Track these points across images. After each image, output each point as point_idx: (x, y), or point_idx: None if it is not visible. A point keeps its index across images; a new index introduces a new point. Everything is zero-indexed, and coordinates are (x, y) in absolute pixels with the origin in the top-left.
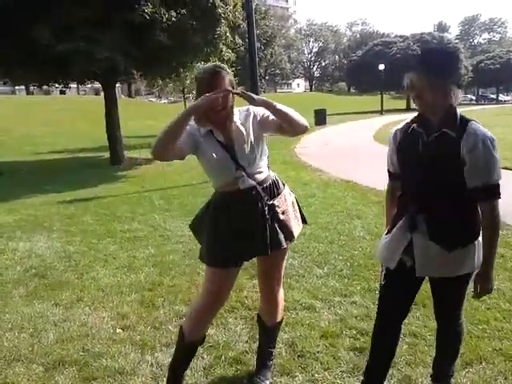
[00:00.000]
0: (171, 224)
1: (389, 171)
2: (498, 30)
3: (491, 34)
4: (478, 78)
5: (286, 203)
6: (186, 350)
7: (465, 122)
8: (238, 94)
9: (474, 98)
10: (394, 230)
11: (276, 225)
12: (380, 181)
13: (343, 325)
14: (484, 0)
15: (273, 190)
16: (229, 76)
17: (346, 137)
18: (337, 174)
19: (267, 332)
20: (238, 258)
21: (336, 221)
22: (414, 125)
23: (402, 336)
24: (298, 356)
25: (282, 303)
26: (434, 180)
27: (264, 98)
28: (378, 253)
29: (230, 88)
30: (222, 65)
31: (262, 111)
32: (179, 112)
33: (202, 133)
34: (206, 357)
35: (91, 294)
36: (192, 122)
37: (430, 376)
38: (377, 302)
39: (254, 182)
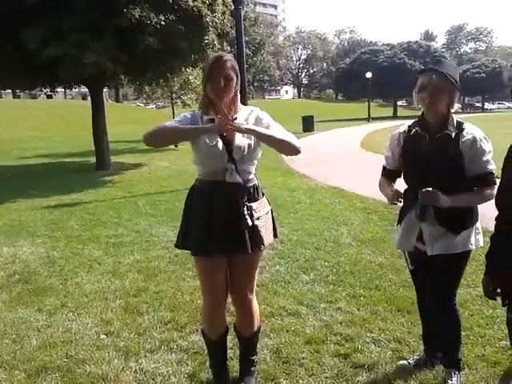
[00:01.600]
0: (157, 229)
1: (384, 168)
2: (484, 39)
3: (477, 43)
4: (464, 86)
5: (263, 210)
6: (215, 349)
7: (460, 124)
8: (232, 127)
9: (459, 106)
10: (406, 219)
11: (249, 228)
12: (366, 187)
13: (328, 331)
14: (470, 9)
15: (254, 193)
16: (231, 62)
17: (334, 143)
18: (324, 180)
19: (245, 342)
20: (211, 248)
21: (323, 227)
22: (418, 128)
23: (385, 342)
24: (283, 362)
25: (256, 312)
26: (438, 174)
27: (254, 127)
28: (396, 242)
29: (233, 79)
30: (226, 53)
31: (265, 120)
32: (188, 126)
33: (203, 121)
34: (190, 363)
35: (75, 300)
36: (195, 111)
37: (442, 364)
38: (412, 282)
39: (239, 179)
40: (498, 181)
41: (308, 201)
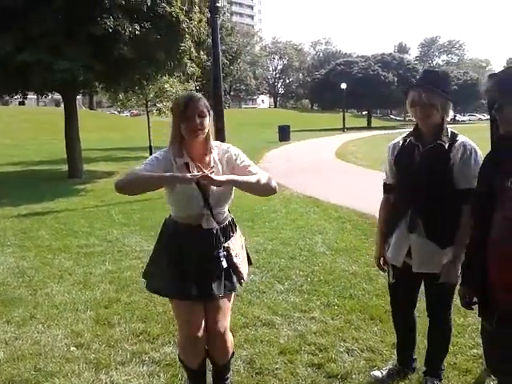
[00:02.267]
0: (130, 239)
1: (385, 184)
2: (456, 52)
3: (449, 55)
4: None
5: (238, 246)
6: (195, 377)
7: (454, 135)
8: (204, 177)
9: (453, 115)
10: (396, 231)
11: (230, 268)
12: (341, 197)
13: (302, 341)
14: (443, 22)
15: (228, 230)
16: (203, 100)
17: (309, 153)
18: (299, 189)
19: (220, 368)
20: (188, 291)
21: (298, 236)
22: (411, 138)
23: (359, 352)
24: (257, 373)
25: (231, 341)
26: (429, 185)
27: (232, 178)
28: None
29: (207, 116)
30: (196, 93)
31: (241, 158)
32: (152, 174)
33: (177, 164)
34: (162, 375)
35: (45, 311)
36: (168, 153)
37: (423, 372)
38: (389, 298)
39: (215, 225)
40: None
41: (283, 210)
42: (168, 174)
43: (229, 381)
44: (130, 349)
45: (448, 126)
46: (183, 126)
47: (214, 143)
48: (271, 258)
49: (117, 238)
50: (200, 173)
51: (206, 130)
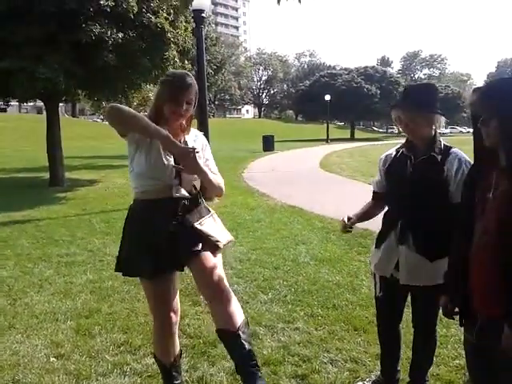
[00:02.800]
0: (112, 248)
1: (373, 192)
2: (438, 65)
3: (431, 69)
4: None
5: (205, 216)
6: (168, 374)
7: (448, 148)
8: (190, 156)
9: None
10: (385, 242)
11: (196, 234)
12: (325, 207)
13: (286, 352)
14: (425, 37)
15: (198, 203)
16: (194, 86)
17: (293, 163)
18: (283, 199)
19: (235, 341)
20: (151, 269)
21: (282, 246)
22: (404, 149)
23: (342, 362)
24: None
25: (235, 302)
26: (420, 197)
27: (205, 171)
28: (372, 265)
29: (193, 103)
30: (189, 74)
31: (207, 150)
32: (154, 126)
33: None
34: None
35: (24, 321)
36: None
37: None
38: (375, 312)
39: (186, 193)
40: None
41: (267, 220)
42: (165, 132)
43: (254, 368)
44: (112, 360)
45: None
46: (168, 106)
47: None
48: (255, 267)
49: (98, 247)
50: (189, 147)
51: (188, 115)
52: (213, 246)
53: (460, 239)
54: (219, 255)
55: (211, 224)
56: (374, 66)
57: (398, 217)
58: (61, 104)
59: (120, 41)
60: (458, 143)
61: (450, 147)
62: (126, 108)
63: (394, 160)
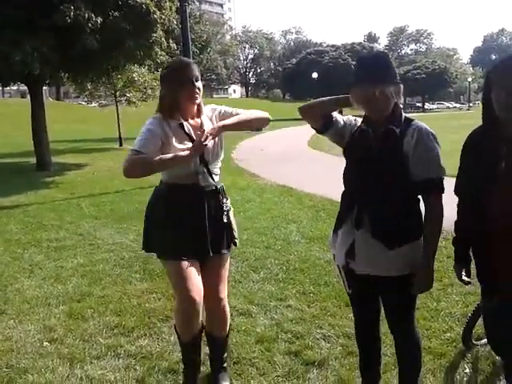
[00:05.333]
0: (102, 232)
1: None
2: (425, 41)
3: (418, 44)
4: (405, 87)
5: (230, 210)
6: (190, 350)
7: (409, 121)
8: (210, 138)
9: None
10: (342, 228)
11: (224, 226)
12: (315, 185)
13: (279, 329)
14: (411, 12)
15: (224, 192)
16: (196, 65)
17: (282, 143)
18: (273, 179)
19: (218, 343)
20: (185, 251)
21: (272, 225)
22: (362, 124)
23: (335, 338)
24: (234, 363)
25: (228, 312)
26: (379, 176)
27: (222, 123)
28: (332, 255)
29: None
30: (185, 58)
31: (227, 110)
32: (164, 157)
33: (171, 126)
34: (138, 368)
35: (16, 307)
36: (158, 119)
37: None
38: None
39: (212, 181)
40: (449, 181)
41: (258, 199)
42: (171, 155)
43: (226, 364)
44: (105, 342)
45: (417, 114)
46: (182, 91)
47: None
48: (246, 247)
49: (88, 230)
50: (198, 139)
51: (201, 93)
52: (231, 243)
53: (468, 211)
54: (229, 259)
55: (234, 218)
56: (360, 43)
57: (355, 198)
58: (45, 87)
59: (100, 24)
60: (446, 118)
61: (412, 119)
62: (135, 166)
63: (353, 135)
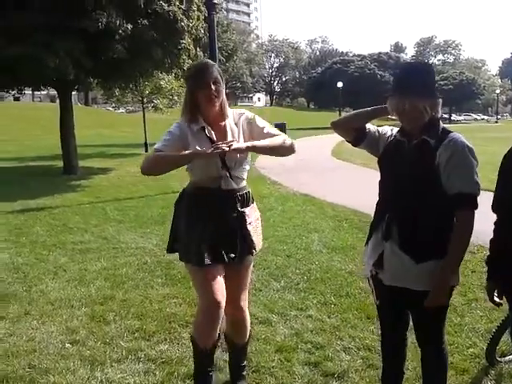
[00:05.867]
0: (125, 236)
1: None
2: (452, 51)
3: (445, 55)
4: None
5: (253, 216)
6: (205, 358)
7: (446, 132)
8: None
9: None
10: (372, 238)
11: (242, 234)
12: (337, 195)
13: (298, 339)
14: (439, 22)
15: (246, 199)
16: (216, 67)
17: (305, 151)
18: (295, 187)
19: (238, 351)
20: (211, 256)
21: (294, 234)
22: (397, 134)
23: (355, 350)
24: (253, 371)
25: (249, 319)
26: (411, 187)
27: (252, 144)
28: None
29: (221, 83)
30: (208, 60)
31: (257, 120)
32: (180, 155)
33: (193, 130)
34: (157, 373)
35: (39, 308)
36: (181, 122)
37: None
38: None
39: (235, 185)
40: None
41: (280, 208)
42: (188, 152)
43: (245, 372)
44: (126, 346)
45: (450, 125)
46: (199, 93)
47: (229, 109)
48: (267, 255)
49: (112, 234)
50: (220, 144)
51: (222, 97)
52: (249, 252)
53: (507, 229)
54: (251, 266)
55: (256, 227)
56: (387, 52)
57: (386, 209)
58: (74, 93)
59: (130, 32)
60: (473, 131)
61: (449, 132)
62: (151, 162)
63: (388, 145)
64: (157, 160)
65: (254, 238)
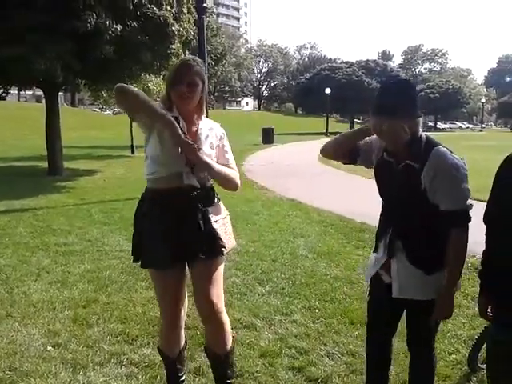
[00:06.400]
0: (110, 238)
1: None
2: (439, 60)
3: (432, 64)
4: (418, 106)
5: (220, 215)
6: (172, 366)
7: (430, 149)
8: (192, 150)
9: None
10: (378, 251)
11: (207, 234)
12: (323, 200)
13: (283, 344)
14: (427, 31)
15: (209, 197)
16: (197, 67)
17: (292, 156)
18: (282, 192)
19: (220, 363)
20: (167, 259)
21: (280, 239)
22: (385, 154)
23: (339, 355)
24: (237, 376)
25: (228, 326)
26: (405, 206)
27: (211, 165)
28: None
29: (198, 85)
30: (195, 58)
31: (225, 140)
32: (161, 111)
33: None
34: (140, 377)
35: (21, 310)
36: (161, 104)
37: None
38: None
39: (196, 183)
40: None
41: (266, 212)
42: (168, 116)
43: (231, 381)
44: (108, 349)
45: (429, 133)
46: (173, 89)
47: (206, 119)
48: (253, 260)
49: (96, 237)
50: (191, 142)
51: (196, 99)
52: (218, 251)
53: (498, 242)
54: (222, 265)
55: (224, 225)
56: (375, 60)
57: (388, 224)
58: (60, 93)
59: (119, 33)
60: (457, 139)
61: (433, 147)
62: (131, 88)
63: (379, 162)
64: (141, 97)
65: (222, 237)
